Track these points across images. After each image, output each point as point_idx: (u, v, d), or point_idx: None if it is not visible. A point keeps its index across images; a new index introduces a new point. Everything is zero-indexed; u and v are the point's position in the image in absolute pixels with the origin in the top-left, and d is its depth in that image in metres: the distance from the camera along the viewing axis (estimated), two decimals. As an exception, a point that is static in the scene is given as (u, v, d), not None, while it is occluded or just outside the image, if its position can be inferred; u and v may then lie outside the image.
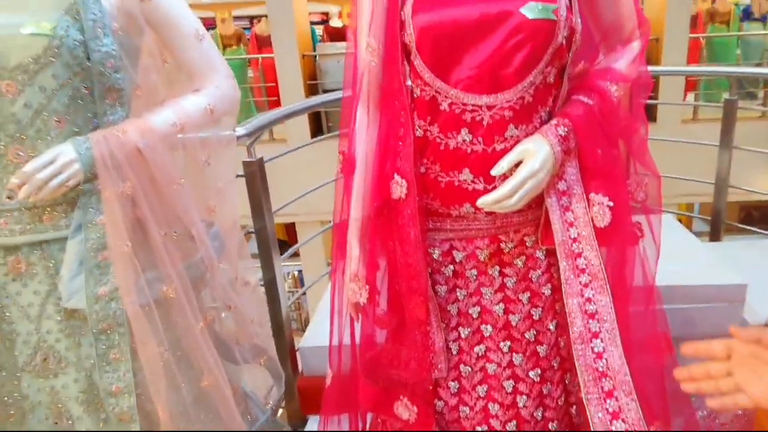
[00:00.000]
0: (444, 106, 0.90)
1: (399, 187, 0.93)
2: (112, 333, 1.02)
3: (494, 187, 0.91)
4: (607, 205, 0.91)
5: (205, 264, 1.15)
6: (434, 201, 0.97)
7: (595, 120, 0.93)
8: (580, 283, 0.92)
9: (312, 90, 6.11)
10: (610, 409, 0.90)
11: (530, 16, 0.84)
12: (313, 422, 1.84)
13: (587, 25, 0.95)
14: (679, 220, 2.59)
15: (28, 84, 0.94)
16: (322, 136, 3.28)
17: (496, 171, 0.87)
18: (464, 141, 0.90)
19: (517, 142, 0.90)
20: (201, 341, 1.10)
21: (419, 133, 0.94)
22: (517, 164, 0.88)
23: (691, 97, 6.32)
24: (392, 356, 1.05)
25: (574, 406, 1.06)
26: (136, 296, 1.01)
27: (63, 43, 0.94)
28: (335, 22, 6.82)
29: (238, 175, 1.45)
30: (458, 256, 1.01)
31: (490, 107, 0.89)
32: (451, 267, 1.01)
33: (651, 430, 0.89)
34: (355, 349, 1.10)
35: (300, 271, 7.85)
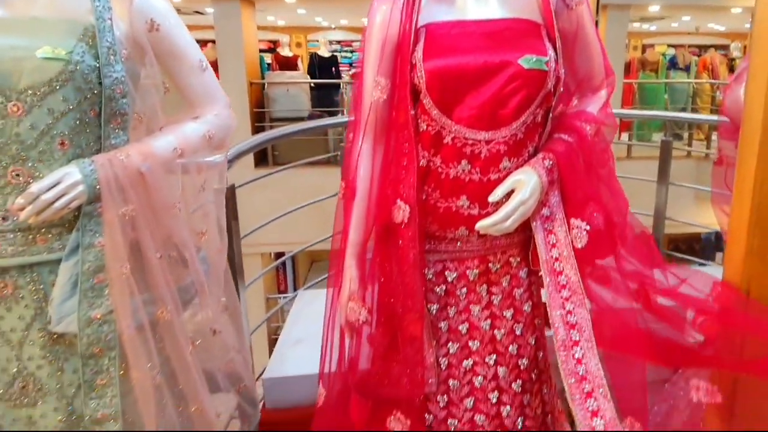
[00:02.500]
0: (447, 139, 1.02)
1: (401, 212, 1.02)
2: (102, 357, 1.02)
3: (487, 213, 1.02)
4: (585, 229, 1.04)
5: (195, 288, 1.18)
6: (432, 225, 1.07)
7: (574, 155, 1.06)
8: (561, 297, 1.05)
9: (258, 117, 6.16)
10: (590, 408, 1.01)
11: (526, 66, 0.98)
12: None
13: (570, 74, 1.09)
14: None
15: (37, 105, 0.96)
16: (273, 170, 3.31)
17: (493, 198, 0.99)
18: (463, 171, 1.02)
19: (509, 173, 1.02)
20: (191, 365, 1.12)
21: (423, 162, 1.04)
22: (509, 192, 1.00)
23: (625, 136, 6.81)
24: (382, 375, 1.12)
25: (549, 416, 1.17)
26: (131, 319, 1.03)
27: (78, 69, 0.97)
28: (285, 51, 6.93)
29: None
30: (450, 276, 1.10)
31: (488, 142, 1.01)
32: (443, 286, 1.11)
33: (626, 428, 1.00)
34: (345, 369, 1.15)
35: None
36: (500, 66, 0.98)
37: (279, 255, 7.85)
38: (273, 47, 7.54)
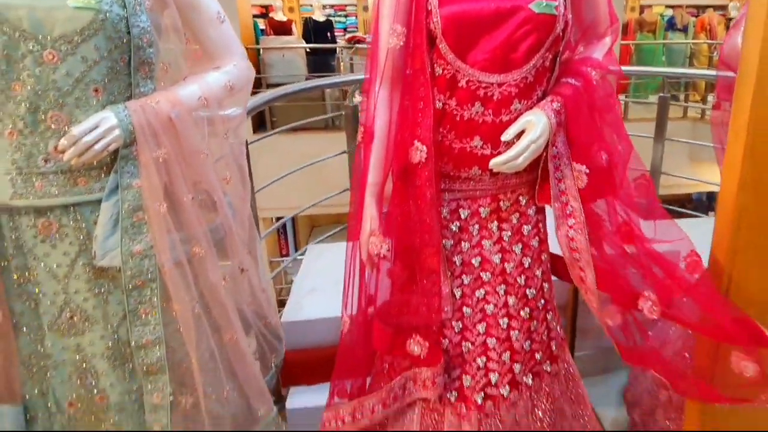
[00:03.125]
0: (462, 83, 1.09)
1: (419, 153, 1.10)
2: (145, 288, 1.12)
3: (499, 152, 1.11)
4: (585, 172, 1.13)
5: (224, 229, 1.26)
6: (447, 165, 1.15)
7: (581, 98, 1.14)
8: (567, 224, 1.15)
9: (255, 84, 6.16)
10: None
11: (537, 10, 1.05)
12: (295, 395, 1.97)
13: (576, 21, 1.17)
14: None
15: (70, 54, 1.03)
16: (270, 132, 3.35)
17: (505, 137, 1.08)
18: (477, 112, 1.10)
19: (519, 114, 1.10)
20: (224, 298, 1.22)
21: (438, 105, 1.11)
22: (521, 132, 1.08)
23: (621, 98, 6.87)
24: (402, 304, 1.22)
25: (553, 341, 1.28)
26: (169, 254, 1.12)
27: (107, 18, 1.04)
28: (278, 16, 6.89)
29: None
30: (464, 213, 1.19)
31: (500, 84, 1.08)
32: (458, 223, 1.20)
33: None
34: (366, 301, 1.25)
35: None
36: (512, 11, 1.05)
37: (280, 220, 7.98)
38: (266, 12, 7.49)
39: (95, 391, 1.14)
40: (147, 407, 1.15)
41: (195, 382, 1.16)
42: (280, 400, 1.95)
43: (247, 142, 1.80)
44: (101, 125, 1.05)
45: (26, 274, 1.10)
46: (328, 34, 6.84)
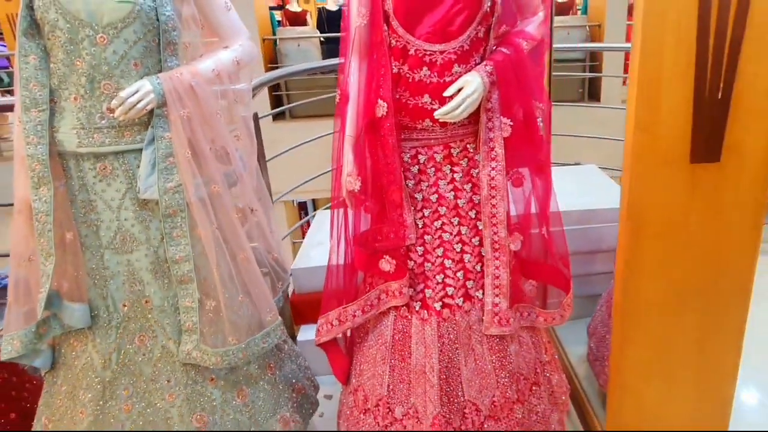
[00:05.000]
0: (411, 51, 1.46)
1: (381, 108, 1.48)
2: (176, 217, 1.52)
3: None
4: (509, 125, 1.50)
5: (236, 174, 1.65)
6: (405, 117, 1.52)
7: (510, 63, 1.49)
8: (490, 166, 1.52)
9: (272, 74, 6.56)
10: (497, 239, 1.56)
11: None
12: (304, 330, 2.36)
13: (510, 1, 1.52)
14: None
15: (116, 37, 1.42)
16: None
17: (447, 93, 1.44)
18: (425, 75, 1.47)
19: (459, 76, 1.46)
20: (237, 226, 1.61)
21: (395, 70, 1.48)
22: (460, 90, 1.45)
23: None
24: (376, 232, 1.60)
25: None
26: (194, 190, 1.51)
27: (142, 9, 1.43)
28: (294, 7, 7.30)
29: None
30: (422, 158, 1.57)
31: (441, 52, 1.45)
32: (417, 167, 1.57)
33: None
34: (349, 232, 1.63)
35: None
36: None
37: (301, 204, 8.44)
38: (282, 4, 7.92)
39: (142, 296, 1.55)
40: (181, 309, 1.55)
41: (216, 290, 1.56)
42: (292, 334, 2.35)
43: (257, 113, 2.19)
44: (141, 90, 1.44)
45: (89, 205, 1.51)
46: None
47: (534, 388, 1.71)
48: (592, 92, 6.64)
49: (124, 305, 1.55)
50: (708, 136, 1.41)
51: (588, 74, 6.40)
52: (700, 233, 1.52)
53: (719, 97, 1.38)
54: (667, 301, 1.59)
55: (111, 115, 1.45)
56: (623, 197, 1.50)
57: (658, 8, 1.33)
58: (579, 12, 7.23)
